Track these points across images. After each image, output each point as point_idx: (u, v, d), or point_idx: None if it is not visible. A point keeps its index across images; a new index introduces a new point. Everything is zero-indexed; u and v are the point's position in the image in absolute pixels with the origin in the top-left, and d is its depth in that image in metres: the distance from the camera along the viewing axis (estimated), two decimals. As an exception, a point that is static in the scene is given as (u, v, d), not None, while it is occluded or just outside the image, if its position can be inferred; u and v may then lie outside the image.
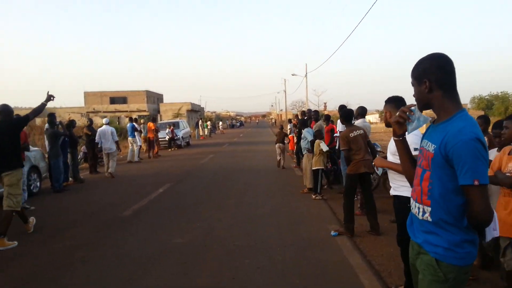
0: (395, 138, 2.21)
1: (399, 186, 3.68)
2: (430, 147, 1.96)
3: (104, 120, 13.89)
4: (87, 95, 53.54)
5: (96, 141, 13.06)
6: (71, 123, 12.00)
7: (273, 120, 74.87)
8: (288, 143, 18.51)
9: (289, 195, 8.71)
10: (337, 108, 8.27)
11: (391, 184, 3.79)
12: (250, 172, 12.50)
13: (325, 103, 65.85)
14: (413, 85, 2.07)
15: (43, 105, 6.28)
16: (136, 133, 17.20)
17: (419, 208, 2.02)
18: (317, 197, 8.00)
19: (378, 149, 8.48)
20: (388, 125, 3.75)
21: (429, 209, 1.95)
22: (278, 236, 5.75)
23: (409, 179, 2.23)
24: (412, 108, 2.15)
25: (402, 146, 2.22)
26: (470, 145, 1.78)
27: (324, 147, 7.86)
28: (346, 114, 6.15)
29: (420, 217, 2.01)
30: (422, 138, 2.11)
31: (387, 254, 4.94)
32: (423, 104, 2.05)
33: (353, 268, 4.49)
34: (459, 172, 1.81)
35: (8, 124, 6.07)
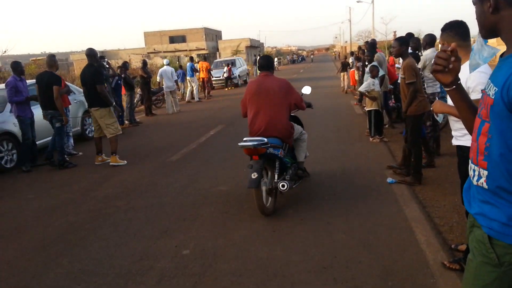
0: (446, 89, 1.60)
1: (462, 135, 2.99)
2: (491, 90, 1.38)
3: (164, 61, 14.85)
4: (146, 35, 54.16)
5: (158, 80, 14.27)
6: (124, 65, 11.94)
7: (336, 54, 71.43)
8: (348, 79, 17.40)
9: (345, 137, 8.09)
10: (406, 36, 7.21)
11: (452, 133, 3.10)
12: (308, 111, 11.82)
13: (394, 32, 61.07)
14: (474, 3, 1.49)
15: None
16: (195, 73, 17.16)
17: (474, 170, 1.51)
18: (374, 140, 7.32)
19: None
20: None
21: (486, 172, 1.44)
22: (327, 184, 5.28)
23: (469, 130, 1.67)
24: (476, 38, 1.51)
25: (457, 96, 1.62)
26: None
27: (376, 87, 7.02)
28: (403, 41, 5.20)
29: (475, 182, 1.50)
30: (489, 78, 1.49)
31: (450, 205, 4.32)
32: (487, 29, 1.47)
33: (408, 221, 3.97)
34: None
35: (94, 69, 7.13)
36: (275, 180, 4.49)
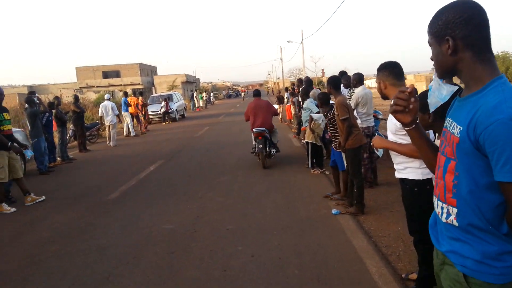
0: (405, 128, 1.64)
1: (403, 168, 3.12)
2: (455, 128, 1.41)
3: (105, 96, 15.40)
4: (79, 70, 52.30)
5: (99, 114, 14.66)
6: (56, 100, 11.35)
7: (270, 89, 73.64)
8: (283, 111, 17.95)
9: (286, 169, 8.20)
10: (338, 74, 7.60)
11: (395, 166, 3.24)
12: (246, 145, 11.92)
13: (323, 70, 64.57)
14: (430, 44, 1.51)
15: None
16: (129, 108, 16.73)
17: (442, 208, 1.50)
18: (315, 172, 7.50)
19: (380, 117, 7.88)
20: (384, 97, 3.18)
21: (455, 210, 1.43)
22: (274, 218, 5.27)
23: (431, 167, 1.71)
24: (433, 77, 1.60)
25: (417, 135, 1.65)
26: (511, 127, 1.24)
27: (322, 124, 7.25)
28: (334, 81, 5.50)
29: (444, 219, 1.49)
30: (446, 116, 1.56)
31: (395, 234, 4.47)
32: (445, 70, 1.49)
33: (357, 252, 4.03)
34: (494, 163, 1.28)
35: None
36: (267, 150, 8.44)
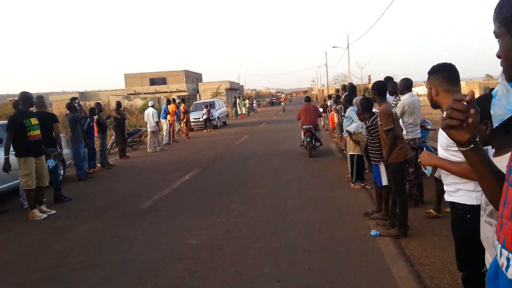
0: (461, 149, 1.24)
1: (455, 190, 2.65)
2: None
3: (149, 103, 15.71)
4: (127, 77, 54.17)
5: (145, 120, 15.17)
6: (98, 106, 11.55)
7: (314, 96, 72.58)
8: (328, 120, 17.42)
9: (326, 183, 7.76)
10: (384, 80, 7.07)
11: (444, 187, 2.77)
12: (286, 155, 11.60)
13: (369, 76, 62.85)
14: (497, 36, 1.14)
15: None
16: (168, 116, 16.85)
17: (508, 259, 1.10)
18: (355, 186, 7.01)
19: (429, 127, 7.22)
20: (434, 105, 2.72)
21: None
22: (307, 237, 4.88)
23: (493, 201, 1.30)
24: (499, 80, 1.19)
25: (475, 158, 1.24)
26: None
27: (363, 131, 6.76)
28: (379, 87, 5.01)
29: (510, 275, 1.09)
30: None
31: (440, 262, 3.95)
32: None
33: (397, 283, 3.56)
34: None
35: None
36: (313, 143, 10.82)
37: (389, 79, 7.24)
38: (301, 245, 4.61)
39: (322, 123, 17.52)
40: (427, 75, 2.76)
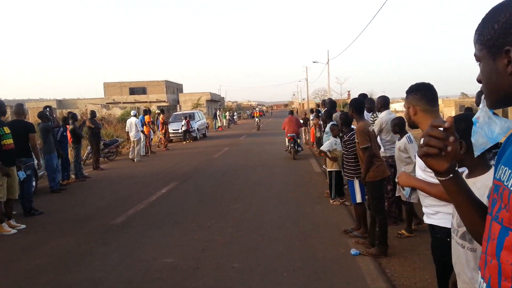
0: (440, 178, 1.15)
1: (434, 213, 2.59)
2: None
3: (131, 112, 16.04)
4: (106, 86, 53.43)
5: (126, 130, 15.03)
6: (73, 116, 11.21)
7: (295, 110, 72.76)
8: (309, 133, 17.49)
9: (305, 198, 7.68)
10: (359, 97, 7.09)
11: (423, 209, 2.72)
12: (264, 168, 11.52)
13: (348, 91, 63.62)
14: (478, 59, 1.07)
15: None
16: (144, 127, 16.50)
17: None
18: (335, 202, 6.96)
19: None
20: (412, 125, 2.67)
21: None
22: (286, 256, 4.76)
23: (476, 235, 1.22)
24: (481, 106, 1.12)
25: (455, 188, 1.15)
26: None
27: (338, 147, 6.74)
28: (357, 104, 4.98)
29: None
30: (498, 162, 1.08)
31: (421, 283, 3.91)
32: (500, 96, 1.04)
33: (378, 305, 3.48)
34: None
35: None
36: (295, 148, 13.01)
37: (364, 96, 7.29)
38: (279, 265, 4.49)
39: (304, 136, 17.77)
40: (406, 94, 2.72)
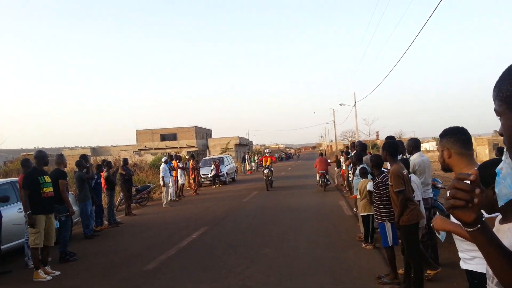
0: (467, 229, 1.17)
1: (470, 258, 2.52)
2: None
3: (163, 159, 16.59)
4: (138, 133, 55.26)
5: (161, 175, 15.41)
6: (107, 164, 11.64)
7: (323, 151, 72.23)
8: (339, 177, 17.39)
9: (336, 243, 7.54)
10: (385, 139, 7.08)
11: (459, 254, 2.65)
12: (294, 213, 11.42)
13: (377, 132, 63.15)
14: (498, 114, 1.12)
15: None
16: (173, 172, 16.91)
17: None
18: (367, 246, 6.80)
19: (440, 186, 7.11)
20: (446, 168, 2.66)
21: None
22: (318, 303, 4.65)
23: (506, 284, 1.21)
24: (503, 158, 1.16)
25: (483, 239, 1.17)
26: None
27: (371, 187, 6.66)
28: (391, 147, 4.96)
29: None
30: None
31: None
32: None
33: None
34: None
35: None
36: (325, 182, 16.09)
37: (391, 138, 7.27)
38: (311, 312, 4.39)
39: (335, 179, 18.58)
40: (440, 138, 2.73)
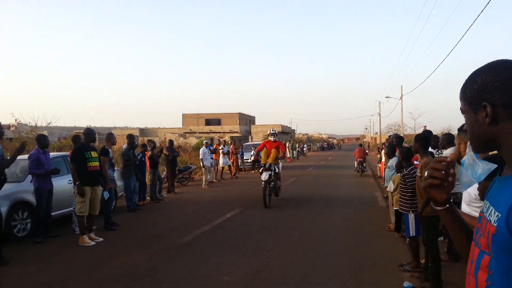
0: (438, 208, 1.35)
1: None
2: (492, 215, 1.11)
3: (204, 142, 17.48)
4: (184, 117, 56.70)
5: (200, 157, 16.10)
6: (150, 143, 12.28)
7: (366, 143, 70.81)
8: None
9: (365, 231, 7.65)
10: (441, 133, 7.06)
11: None
12: (328, 200, 11.57)
13: (424, 126, 61.17)
14: (463, 112, 1.27)
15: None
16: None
17: None
18: (396, 236, 6.87)
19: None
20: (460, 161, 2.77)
21: None
22: (337, 283, 4.86)
23: (465, 258, 1.38)
24: (467, 151, 1.33)
25: (451, 218, 1.36)
26: None
27: None
28: (423, 140, 5.01)
29: None
30: (484, 198, 1.26)
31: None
32: (481, 143, 1.23)
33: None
34: None
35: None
36: (362, 169, 19.07)
37: (429, 132, 7.23)
38: (330, 291, 4.61)
39: (377, 171, 18.87)
40: (457, 132, 2.84)
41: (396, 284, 4.76)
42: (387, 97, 44.48)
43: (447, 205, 1.32)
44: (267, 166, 10.60)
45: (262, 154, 11.03)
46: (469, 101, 1.23)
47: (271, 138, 11.42)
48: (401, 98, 40.10)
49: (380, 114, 59.18)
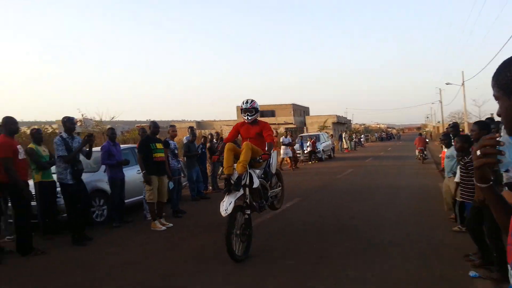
0: (483, 185, 1.42)
1: None
2: None
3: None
4: (238, 109, 57.36)
5: None
6: (211, 136, 12.77)
7: (428, 134, 67.47)
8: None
9: (426, 221, 7.54)
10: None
11: None
12: (388, 190, 11.42)
13: (491, 114, 57.58)
14: (497, 98, 1.34)
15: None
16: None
17: None
18: (456, 228, 6.72)
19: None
20: None
21: None
22: (401, 270, 4.90)
23: (506, 232, 1.47)
24: (500, 138, 1.38)
25: (493, 195, 1.43)
26: None
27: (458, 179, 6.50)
28: (483, 126, 4.89)
29: None
30: None
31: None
32: None
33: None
34: None
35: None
36: (423, 156, 20.13)
37: (491, 120, 6.98)
38: (394, 277, 4.67)
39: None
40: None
41: (461, 274, 4.71)
42: (447, 84, 42.30)
43: (491, 183, 1.40)
44: (232, 181, 5.87)
45: (225, 153, 5.85)
46: (503, 87, 1.31)
47: (246, 117, 6.35)
48: (462, 84, 38.06)
49: (441, 102, 56.56)
